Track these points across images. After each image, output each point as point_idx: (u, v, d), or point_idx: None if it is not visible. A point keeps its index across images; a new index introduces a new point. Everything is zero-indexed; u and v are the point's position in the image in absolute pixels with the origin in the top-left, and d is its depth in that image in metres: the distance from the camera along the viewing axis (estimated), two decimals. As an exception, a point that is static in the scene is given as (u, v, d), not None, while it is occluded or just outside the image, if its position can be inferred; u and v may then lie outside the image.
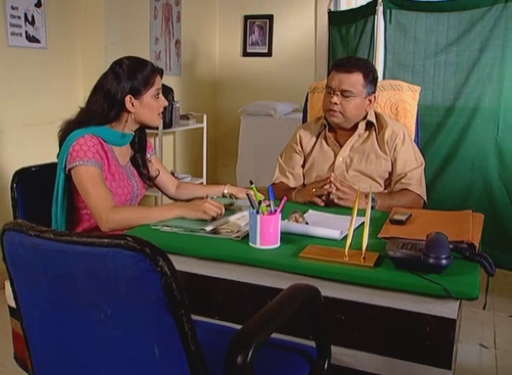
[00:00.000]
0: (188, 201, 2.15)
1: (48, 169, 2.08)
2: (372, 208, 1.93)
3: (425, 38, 2.71)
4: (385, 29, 2.77)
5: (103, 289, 0.82)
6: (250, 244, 1.49)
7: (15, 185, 1.93)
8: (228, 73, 5.10)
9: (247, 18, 4.98)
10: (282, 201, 1.49)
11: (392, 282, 1.29)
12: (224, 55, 5.11)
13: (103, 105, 1.83)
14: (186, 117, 4.11)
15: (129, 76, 1.82)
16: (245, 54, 5.03)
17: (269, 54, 4.95)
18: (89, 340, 0.88)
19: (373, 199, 1.94)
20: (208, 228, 1.56)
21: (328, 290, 1.34)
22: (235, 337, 0.88)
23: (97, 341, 0.87)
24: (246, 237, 1.54)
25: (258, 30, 4.99)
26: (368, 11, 2.90)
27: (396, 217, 1.67)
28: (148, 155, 2.06)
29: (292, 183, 2.21)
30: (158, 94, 1.87)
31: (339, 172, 2.13)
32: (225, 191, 2.03)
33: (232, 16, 5.01)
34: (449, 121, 2.72)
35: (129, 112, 1.85)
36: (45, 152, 3.14)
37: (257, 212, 1.45)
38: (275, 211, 1.48)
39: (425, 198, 2.08)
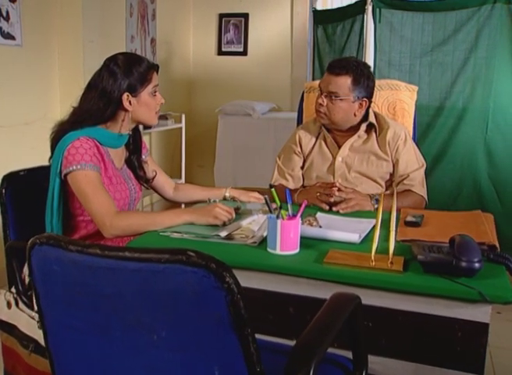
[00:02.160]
0: (187, 204, 2.08)
1: (38, 174, 1.97)
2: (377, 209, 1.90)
3: (415, 38, 2.71)
4: (375, 28, 2.76)
5: (157, 309, 0.75)
6: (269, 249, 1.43)
7: (3, 190, 1.82)
8: (203, 73, 5.01)
9: (221, 16, 4.90)
10: (303, 206, 1.44)
11: (423, 287, 1.26)
12: (198, 54, 5.02)
13: (98, 104, 1.73)
14: (164, 117, 4.01)
15: (125, 72, 1.73)
16: (220, 53, 4.95)
17: (245, 53, 4.89)
18: (137, 364, 0.80)
19: (377, 201, 1.91)
20: (223, 234, 1.49)
21: (354, 296, 1.30)
22: (293, 354, 0.83)
23: (148, 364, 0.79)
24: (262, 243, 1.49)
25: (233, 28, 4.93)
26: (356, 10, 2.88)
27: (410, 219, 1.64)
28: (143, 156, 1.98)
29: (291, 185, 2.16)
30: (155, 91, 1.80)
31: (341, 172, 2.10)
32: (227, 194, 1.96)
33: (207, 14, 4.93)
34: (438, 121, 2.73)
35: (125, 110, 1.76)
36: (25, 155, 3.01)
37: (278, 217, 1.40)
38: (295, 215, 1.43)
39: (427, 198, 2.07)
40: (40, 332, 1.71)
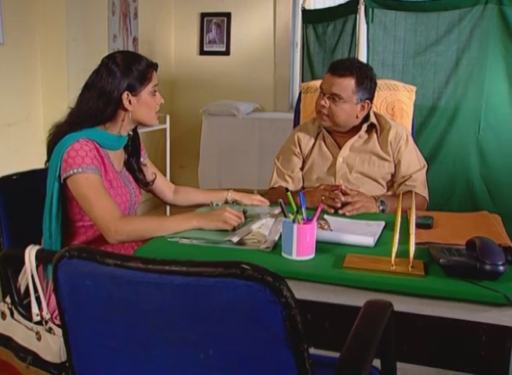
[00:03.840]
0: (188, 207, 2.02)
1: (32, 177, 1.90)
2: (383, 211, 1.88)
3: (408, 38, 2.71)
4: (368, 28, 2.74)
5: (205, 325, 0.70)
6: (284, 255, 1.39)
7: (-3, 196, 1.74)
8: (184, 72, 4.95)
9: (203, 15, 4.85)
10: (319, 210, 1.41)
11: (447, 291, 1.23)
12: (180, 54, 4.95)
13: (97, 104, 1.66)
14: (149, 118, 3.92)
15: (124, 71, 1.66)
16: (202, 52, 4.90)
17: (227, 53, 4.85)
18: (181, 383, 0.75)
19: (383, 202, 1.89)
20: (235, 239, 1.45)
21: (375, 301, 1.27)
22: (341, 368, 0.79)
23: (193, 383, 0.74)
24: (274, 248, 1.45)
25: (216, 28, 4.87)
26: (348, 10, 2.86)
27: (421, 221, 1.62)
28: (142, 159, 1.92)
29: (291, 187, 2.12)
30: (155, 91, 1.74)
31: (342, 173, 2.07)
32: (229, 197, 1.91)
33: (188, 13, 4.87)
34: (431, 121, 2.73)
35: (125, 110, 1.69)
36: (8, 157, 2.90)
37: (294, 221, 1.36)
38: (310, 219, 1.39)
39: (428, 199, 2.06)
40: (39, 344, 1.65)
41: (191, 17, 4.86)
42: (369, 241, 1.48)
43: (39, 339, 1.64)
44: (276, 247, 1.45)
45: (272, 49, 4.74)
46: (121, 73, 1.66)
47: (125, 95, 1.67)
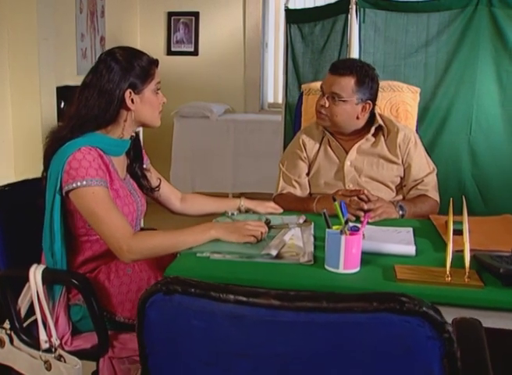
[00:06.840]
0: (198, 217, 1.89)
1: (24, 189, 1.74)
2: (402, 216, 1.83)
3: (400, 39, 2.68)
4: (360, 29, 2.69)
5: (350, 367, 0.60)
6: (329, 268, 1.30)
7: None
8: (151, 73, 4.77)
9: (170, 15, 4.70)
10: (366, 219, 1.33)
11: (509, 302, 1.18)
12: (146, 54, 4.77)
13: (98, 104, 1.52)
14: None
15: (126, 67, 1.53)
16: (169, 53, 4.75)
17: (196, 53, 4.73)
18: None
19: (402, 207, 1.84)
20: (273, 252, 1.34)
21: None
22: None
23: None
24: (315, 260, 1.36)
25: (183, 27, 4.74)
26: (338, 9, 2.80)
27: (453, 226, 1.57)
28: (145, 165, 1.79)
29: (298, 193, 2.04)
30: (158, 89, 1.61)
31: (351, 177, 2.01)
32: (242, 206, 1.80)
33: (155, 12, 4.70)
34: (423, 122, 2.71)
35: (128, 110, 1.56)
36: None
37: (341, 233, 1.27)
38: (357, 230, 1.31)
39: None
40: (49, 374, 1.49)
41: (158, 16, 4.71)
42: (411, 250, 1.41)
43: (48, 368, 1.49)
44: (316, 259, 1.36)
45: (242, 50, 4.66)
46: (122, 70, 1.53)
47: (127, 93, 1.53)
